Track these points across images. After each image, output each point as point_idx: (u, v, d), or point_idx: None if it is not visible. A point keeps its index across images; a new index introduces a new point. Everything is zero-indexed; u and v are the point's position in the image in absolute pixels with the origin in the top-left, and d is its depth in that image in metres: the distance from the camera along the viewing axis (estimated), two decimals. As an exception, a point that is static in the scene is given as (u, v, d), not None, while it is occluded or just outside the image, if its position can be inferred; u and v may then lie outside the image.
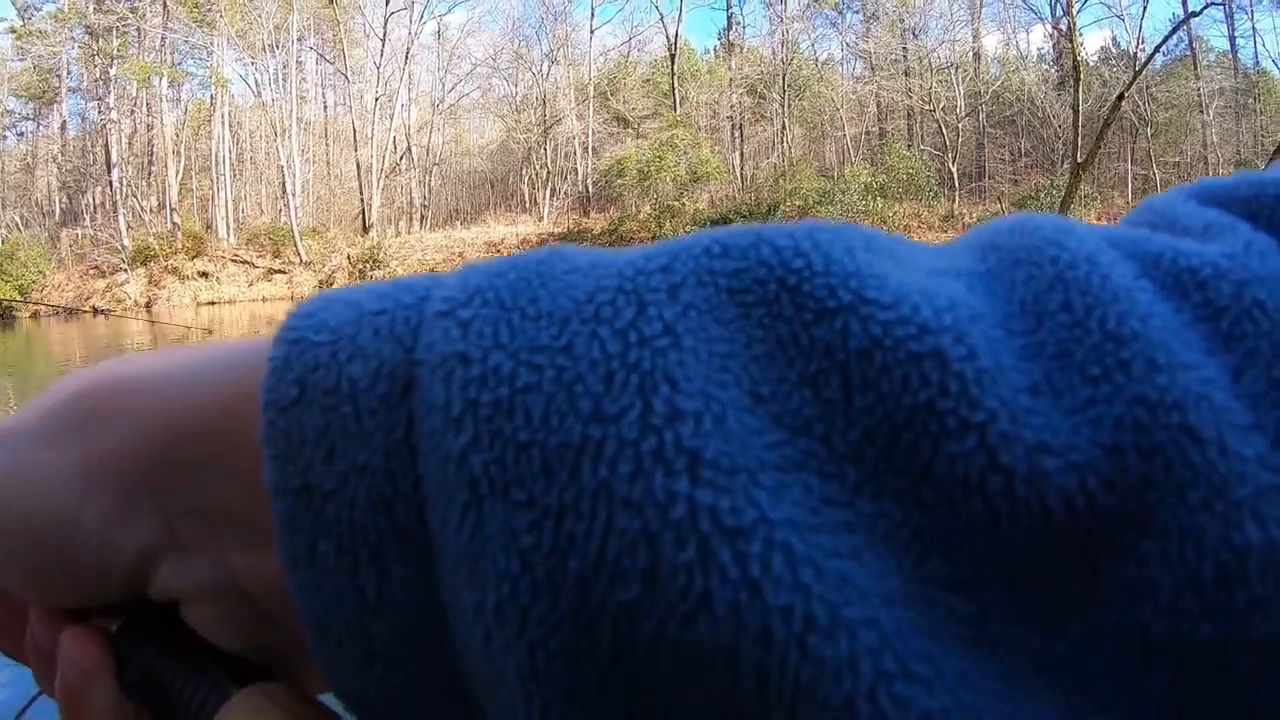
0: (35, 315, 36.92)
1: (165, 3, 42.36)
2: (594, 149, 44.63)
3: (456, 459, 0.26)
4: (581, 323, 0.27)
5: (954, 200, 36.12)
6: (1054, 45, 44.27)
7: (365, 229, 42.73)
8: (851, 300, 0.27)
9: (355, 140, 45.48)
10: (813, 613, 0.23)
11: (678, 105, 43.00)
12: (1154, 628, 0.24)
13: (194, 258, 39.99)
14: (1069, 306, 0.27)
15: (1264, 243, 0.29)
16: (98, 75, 43.58)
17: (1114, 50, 43.72)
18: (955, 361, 0.25)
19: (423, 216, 47.64)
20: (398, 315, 0.29)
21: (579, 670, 0.24)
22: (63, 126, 49.31)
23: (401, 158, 48.17)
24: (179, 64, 46.19)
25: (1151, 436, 0.24)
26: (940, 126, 39.93)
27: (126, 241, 40.16)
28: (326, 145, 51.65)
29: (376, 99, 45.32)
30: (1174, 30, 30.39)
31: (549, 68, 49.13)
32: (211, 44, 43.93)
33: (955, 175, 37.41)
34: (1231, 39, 39.10)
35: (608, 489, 0.24)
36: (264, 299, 37.85)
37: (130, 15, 42.31)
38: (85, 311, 36.64)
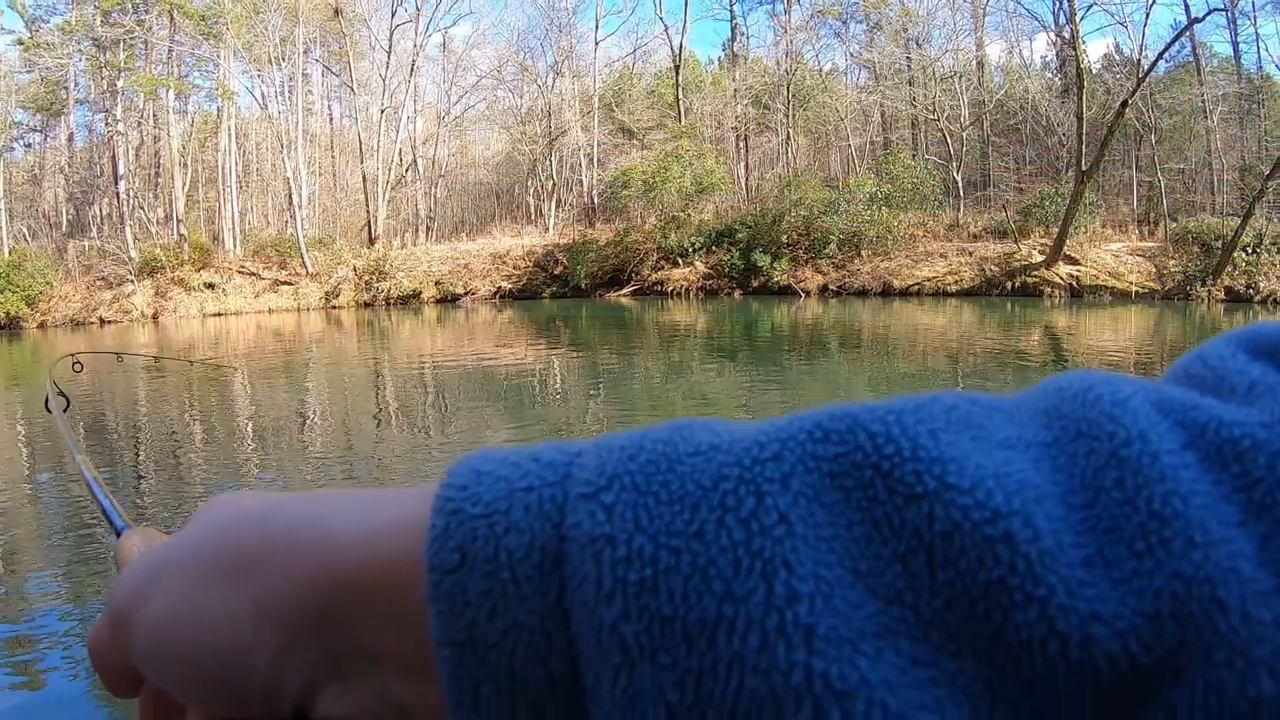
0: (42, 326, 37.01)
1: (172, 15, 42.50)
2: (599, 160, 44.75)
3: (610, 628, 0.30)
4: (709, 510, 0.31)
5: (959, 209, 36.12)
6: (1057, 53, 44.35)
7: (371, 240, 42.85)
8: (936, 487, 0.31)
9: (361, 152, 45.63)
10: None
11: (682, 116, 43.11)
12: None
13: (200, 269, 40.08)
14: (1122, 484, 0.31)
15: None
16: (105, 87, 43.69)
17: (1117, 57, 43.72)
18: (1023, 544, 0.30)
19: (428, 228, 47.74)
20: (544, 493, 0.34)
21: None
22: (70, 138, 49.50)
23: (407, 170, 48.29)
24: (185, 76, 46.36)
25: (1186, 607, 0.28)
26: (944, 135, 39.99)
27: (133, 253, 40.25)
28: (333, 157, 51.82)
29: (382, 111, 45.46)
30: (1177, 37, 30.45)
31: (554, 80, 49.26)
32: (218, 57, 44.09)
33: (960, 184, 37.45)
34: (1234, 44, 39.03)
35: (740, 658, 0.29)
36: (270, 310, 38.00)
37: (137, 28, 42.44)
38: (91, 322, 36.76)
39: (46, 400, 2.77)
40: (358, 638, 0.37)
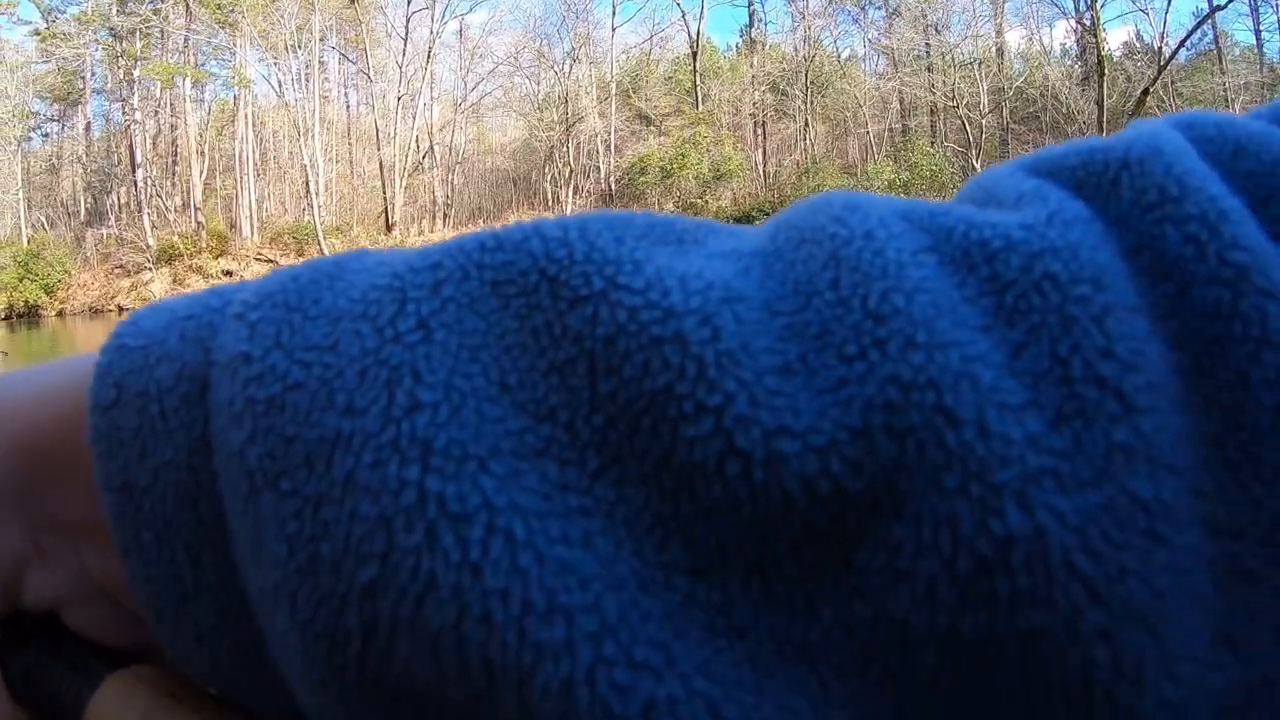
0: (61, 314, 37.10)
1: (188, 4, 42.50)
2: (616, 147, 44.61)
3: (238, 453, 0.27)
4: (350, 321, 0.28)
5: (978, 197, 35.89)
6: (1077, 40, 44.01)
7: (389, 228, 42.81)
8: (604, 286, 0.27)
9: (378, 139, 45.58)
10: (529, 597, 0.23)
11: (700, 103, 42.92)
12: (913, 619, 0.23)
13: (218, 257, 40.12)
14: (837, 284, 0.27)
15: (1072, 212, 0.28)
16: (121, 76, 43.76)
17: (1138, 45, 43.40)
18: (696, 345, 0.25)
19: (446, 215, 47.69)
20: (202, 319, 0.31)
21: (339, 651, 0.25)
22: (87, 127, 49.55)
23: (424, 156, 48.24)
24: (202, 65, 46.37)
25: (904, 417, 0.24)
26: (964, 123, 39.71)
27: (151, 241, 40.33)
28: (349, 144, 51.76)
29: (399, 98, 45.40)
30: (1199, 24, 30.24)
31: (571, 66, 49.10)
32: (234, 45, 44.08)
33: (979, 172, 37.09)
34: (1257, 32, 38.71)
35: (353, 479, 0.25)
36: (288, 298, 37.94)
37: (153, 17, 42.47)
38: (110, 310, 36.83)
39: None
40: (50, 509, 0.34)
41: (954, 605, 0.23)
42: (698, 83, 43.40)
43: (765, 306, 0.27)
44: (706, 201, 36.09)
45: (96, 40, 44.75)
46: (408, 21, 46.79)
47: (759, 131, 46.02)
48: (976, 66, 41.45)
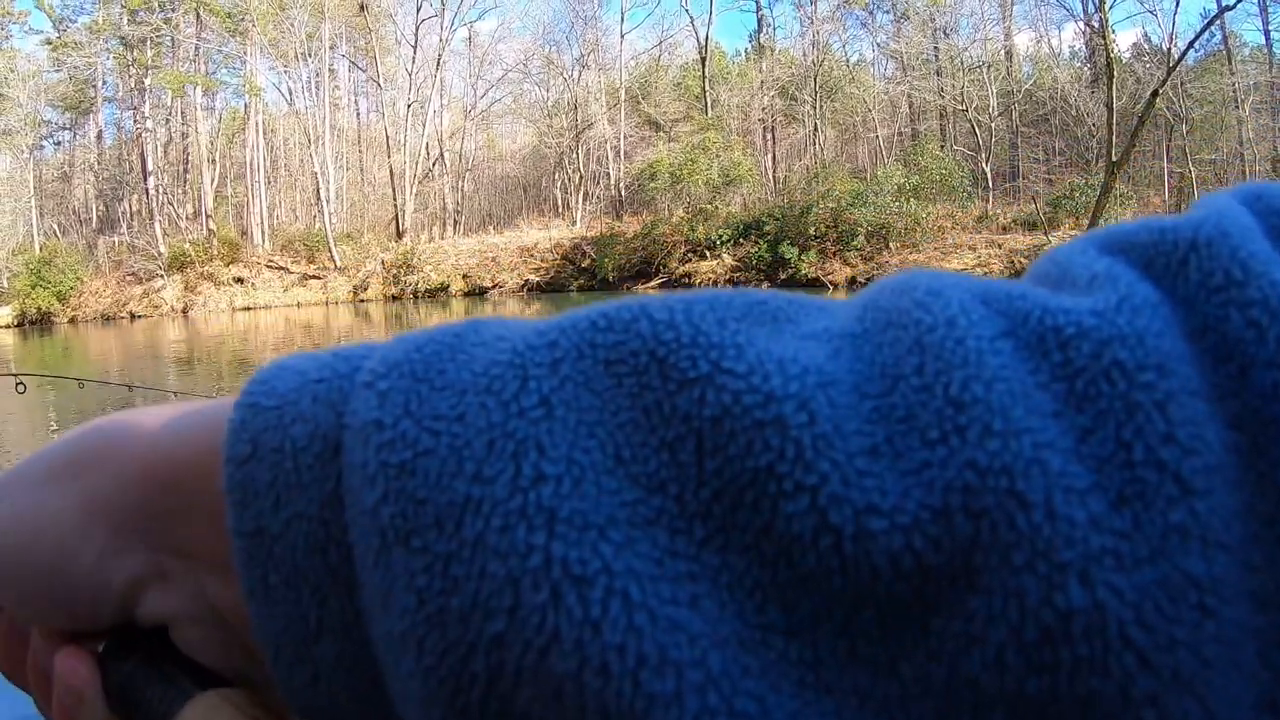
0: (73, 321, 37.27)
1: (198, 13, 42.67)
2: (626, 153, 44.64)
3: (370, 511, 0.30)
4: (475, 394, 0.31)
5: (988, 200, 35.83)
6: (1086, 42, 43.96)
7: (399, 234, 42.90)
8: (709, 370, 0.29)
9: (388, 146, 45.68)
10: (644, 651, 0.26)
11: (709, 108, 42.93)
12: (983, 680, 0.26)
13: (229, 264, 40.30)
14: (921, 370, 0.29)
15: (1142, 296, 0.30)
16: (133, 85, 44.00)
17: (1146, 46, 43.37)
18: (794, 428, 0.28)
19: (456, 221, 47.78)
20: (333, 384, 0.34)
21: (463, 695, 0.28)
22: (99, 136, 49.85)
23: (434, 163, 48.34)
24: (213, 73, 46.59)
25: (980, 499, 0.26)
26: (973, 126, 39.69)
27: (162, 248, 40.56)
28: (360, 151, 51.90)
29: (409, 105, 45.57)
30: (1208, 25, 30.12)
31: (580, 72, 49.19)
32: (245, 53, 44.26)
33: (989, 175, 37.16)
34: (1266, 33, 38.61)
35: (483, 541, 0.28)
36: (299, 304, 38.14)
37: (164, 26, 42.68)
38: (123, 317, 36.98)
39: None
40: (175, 536, 0.38)
41: (1020, 669, 0.25)
42: (707, 88, 43.40)
43: (855, 389, 0.29)
44: (716, 207, 36.03)
45: (108, 49, 44.98)
46: (417, 29, 46.98)
47: (768, 136, 46.06)
48: (985, 70, 41.43)
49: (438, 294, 38.13)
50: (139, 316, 37.26)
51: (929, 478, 0.27)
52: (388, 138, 45.93)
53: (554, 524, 0.28)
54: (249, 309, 38.11)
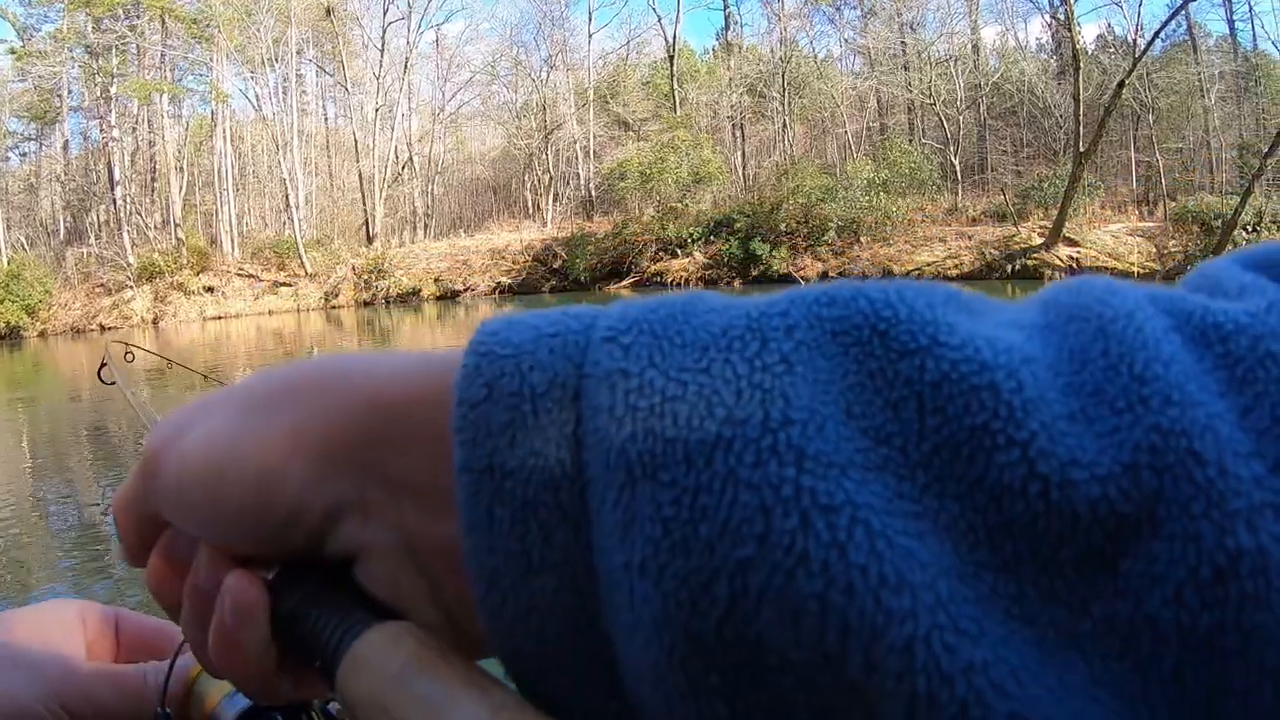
0: (43, 335, 36.98)
1: (163, 20, 42.42)
2: (595, 153, 44.67)
3: (619, 449, 0.33)
4: (718, 351, 0.34)
5: (957, 193, 35.94)
6: (1052, 35, 44.20)
7: (369, 239, 42.82)
8: (928, 343, 0.33)
9: (357, 151, 45.59)
10: (884, 572, 0.29)
11: (678, 107, 43.00)
12: (1162, 615, 0.29)
13: (199, 273, 40.10)
14: (1107, 353, 0.33)
15: None
16: (99, 94, 43.61)
17: (1111, 38, 43.65)
18: (1006, 393, 0.31)
19: (426, 225, 47.67)
20: (569, 338, 0.36)
21: (700, 618, 0.30)
22: (65, 146, 49.38)
23: (403, 167, 48.23)
24: (179, 80, 46.29)
25: (1163, 457, 0.30)
26: (941, 120, 39.85)
27: (132, 259, 40.26)
28: (329, 157, 51.70)
29: (377, 109, 45.45)
30: (1173, 15, 30.38)
31: (548, 73, 49.20)
32: (211, 60, 44.03)
33: (958, 168, 37.23)
34: (1230, 22, 38.95)
35: (734, 474, 0.31)
36: (270, 312, 38.00)
37: (129, 33, 42.37)
38: (93, 330, 36.71)
39: (100, 371, 2.54)
40: (386, 467, 0.40)
41: (1195, 605, 0.29)
42: (675, 87, 43.48)
43: (1050, 368, 0.33)
44: (686, 205, 36.06)
45: (73, 58, 44.58)
46: (384, 33, 46.86)
47: (737, 134, 46.13)
48: (953, 63, 41.61)
49: (409, 298, 38.17)
50: (109, 328, 36.88)
51: (1120, 439, 0.30)
52: (356, 142, 45.83)
53: (803, 460, 0.30)
54: (220, 318, 37.87)
